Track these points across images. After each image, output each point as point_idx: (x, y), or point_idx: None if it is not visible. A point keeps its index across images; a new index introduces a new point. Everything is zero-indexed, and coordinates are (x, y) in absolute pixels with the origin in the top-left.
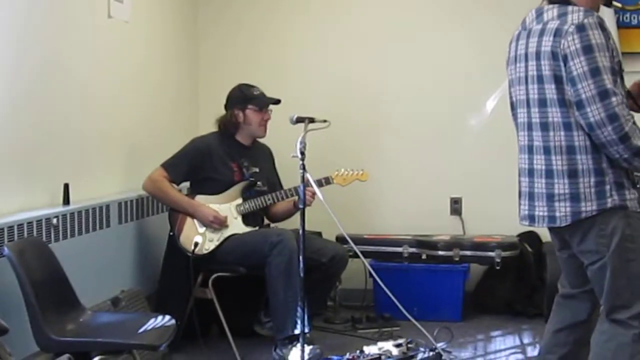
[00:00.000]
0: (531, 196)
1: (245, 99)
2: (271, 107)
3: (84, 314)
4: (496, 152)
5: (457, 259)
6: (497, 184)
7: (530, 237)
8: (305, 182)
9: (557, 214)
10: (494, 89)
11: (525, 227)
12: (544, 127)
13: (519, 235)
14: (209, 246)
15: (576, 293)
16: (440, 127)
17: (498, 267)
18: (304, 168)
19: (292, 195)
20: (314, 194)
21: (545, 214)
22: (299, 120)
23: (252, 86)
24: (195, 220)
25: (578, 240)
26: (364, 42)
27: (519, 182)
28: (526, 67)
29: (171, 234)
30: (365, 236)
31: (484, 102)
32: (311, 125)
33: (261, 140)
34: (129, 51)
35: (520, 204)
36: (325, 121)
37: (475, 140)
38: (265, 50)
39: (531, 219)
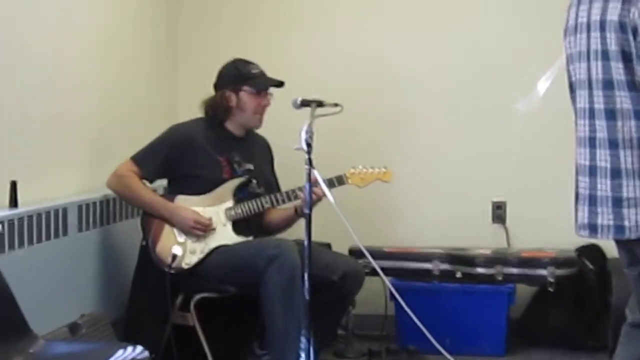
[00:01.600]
0: (592, 200)
1: (241, 78)
2: (272, 90)
3: (35, 343)
4: (549, 145)
5: (500, 278)
6: (550, 185)
7: (591, 252)
8: (312, 181)
9: (626, 223)
10: (547, 66)
11: (585, 239)
12: (610, 114)
13: (577, 250)
14: (191, 260)
15: None
16: (480, 115)
17: (551, 289)
18: (310, 163)
19: (295, 198)
20: (320, 196)
21: (611, 222)
22: (305, 103)
23: (250, 63)
24: (174, 227)
25: None
26: (384, 10)
27: (577, 181)
28: (588, 39)
29: (144, 243)
30: (386, 249)
31: (534, 83)
32: (319, 110)
33: (257, 131)
34: (91, 18)
35: (577, 210)
36: (336, 105)
37: (523, 130)
38: (262, 17)
39: (592, 228)
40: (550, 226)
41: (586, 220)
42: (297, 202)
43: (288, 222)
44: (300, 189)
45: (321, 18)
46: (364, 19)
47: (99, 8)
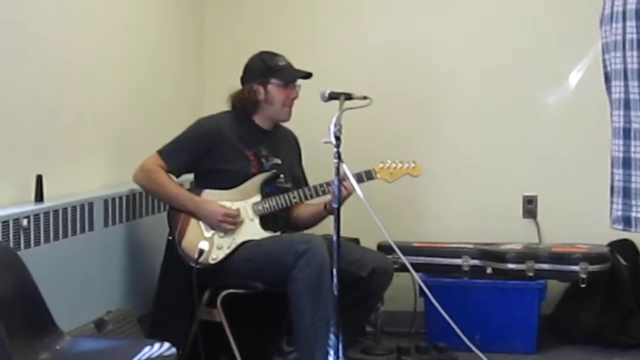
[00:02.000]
0: (627, 193)
1: (268, 70)
2: (299, 82)
3: (62, 339)
4: (581, 138)
5: (531, 274)
6: (583, 178)
7: (624, 247)
8: (341, 176)
9: None
10: (580, 57)
11: (618, 233)
12: None
13: (610, 245)
14: (218, 255)
15: None
16: (510, 107)
17: (583, 285)
18: (339, 157)
19: (324, 193)
20: (350, 191)
21: None
22: (333, 96)
23: (277, 55)
24: (201, 222)
25: None
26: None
27: (611, 174)
28: (624, 28)
29: (170, 238)
30: (415, 244)
31: (566, 74)
32: (348, 103)
33: (285, 124)
34: (118, 14)
35: (612, 202)
36: (365, 98)
37: (554, 123)
38: (287, 9)
39: (626, 221)
40: (582, 221)
41: (620, 213)
42: (327, 198)
43: (317, 218)
44: (329, 183)
45: (348, 9)
46: (391, 10)
47: (126, 4)
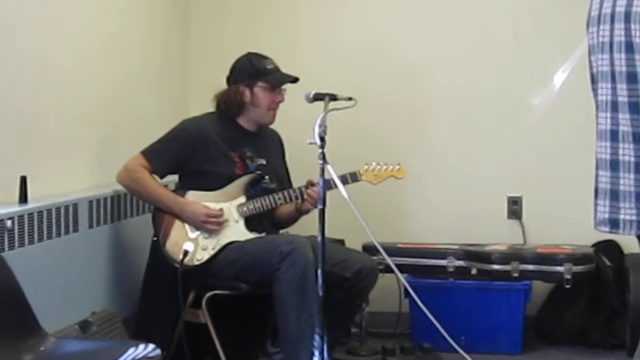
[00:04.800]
0: (614, 195)
1: (255, 73)
2: (285, 85)
3: (46, 341)
4: (566, 139)
5: (516, 274)
6: (568, 179)
7: (608, 248)
8: (325, 177)
9: None
10: (565, 57)
11: (603, 234)
12: (634, 108)
13: (594, 245)
14: (202, 256)
15: None
16: (495, 109)
17: (568, 286)
18: (324, 158)
19: (296, 198)
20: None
21: (634, 218)
22: (318, 97)
23: (265, 58)
24: (186, 223)
25: None
26: (397, 1)
27: (596, 176)
28: (612, 30)
29: (155, 239)
30: (400, 245)
31: (551, 75)
32: (333, 104)
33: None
34: (102, 14)
35: (597, 205)
36: (350, 99)
37: (539, 124)
38: (273, 10)
39: (613, 223)
40: (567, 222)
41: (607, 215)
42: (298, 201)
43: (292, 218)
44: (305, 187)
45: (334, 10)
46: (377, 12)
47: (110, 4)
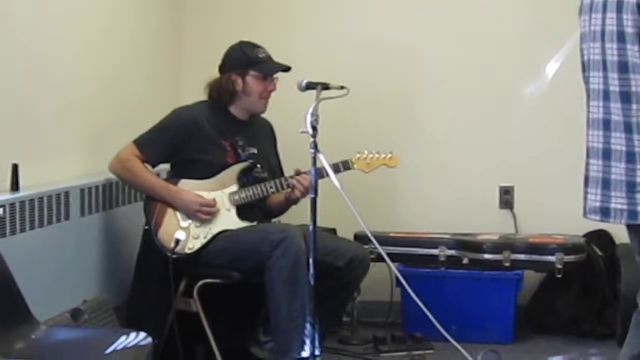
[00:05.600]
0: (606, 184)
1: (248, 62)
2: (277, 74)
3: (37, 329)
4: (557, 129)
5: (507, 264)
6: (559, 169)
7: (600, 238)
8: (317, 166)
9: (639, 207)
10: (557, 48)
11: (594, 224)
12: (625, 97)
13: (585, 235)
14: (194, 244)
15: None
16: (488, 98)
17: (559, 275)
18: (315, 147)
19: (287, 187)
20: (306, 186)
21: (625, 207)
22: (310, 86)
23: (258, 46)
24: (177, 212)
25: None
26: None
27: (587, 164)
28: (603, 19)
29: (146, 227)
30: (392, 234)
31: (543, 65)
32: (325, 93)
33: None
34: (93, 3)
35: (587, 193)
36: (342, 87)
37: (531, 114)
38: None
39: (604, 212)
40: (558, 211)
41: (598, 204)
42: (288, 190)
43: (282, 207)
44: (291, 176)
45: (326, 0)
46: (370, 2)
47: None
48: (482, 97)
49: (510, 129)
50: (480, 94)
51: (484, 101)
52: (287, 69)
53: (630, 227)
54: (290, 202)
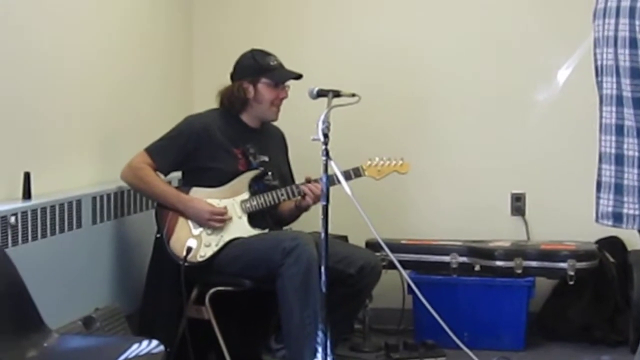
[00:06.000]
0: (618, 189)
1: (259, 69)
2: (289, 82)
3: (49, 337)
4: (569, 136)
5: (519, 271)
6: (571, 176)
7: (612, 245)
8: (329, 174)
9: None
10: (568, 54)
11: (606, 231)
12: (638, 103)
13: (598, 242)
14: (206, 252)
15: None
16: (499, 105)
17: (571, 282)
18: (327, 154)
19: (299, 194)
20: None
21: (637, 212)
22: (321, 93)
23: (269, 54)
24: (189, 220)
25: None
26: None
27: (600, 169)
28: (616, 25)
29: (158, 236)
30: (404, 242)
31: (555, 71)
32: (336, 101)
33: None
34: (105, 11)
35: (600, 198)
36: (354, 95)
37: (542, 120)
38: (276, 6)
39: (617, 217)
40: (570, 218)
41: (610, 209)
42: (297, 197)
43: (293, 215)
44: (302, 184)
45: (337, 6)
46: (380, 7)
47: (114, 3)
48: (493, 103)
49: (522, 135)
50: (491, 100)
51: (495, 108)
52: (298, 76)
53: None
54: (301, 209)
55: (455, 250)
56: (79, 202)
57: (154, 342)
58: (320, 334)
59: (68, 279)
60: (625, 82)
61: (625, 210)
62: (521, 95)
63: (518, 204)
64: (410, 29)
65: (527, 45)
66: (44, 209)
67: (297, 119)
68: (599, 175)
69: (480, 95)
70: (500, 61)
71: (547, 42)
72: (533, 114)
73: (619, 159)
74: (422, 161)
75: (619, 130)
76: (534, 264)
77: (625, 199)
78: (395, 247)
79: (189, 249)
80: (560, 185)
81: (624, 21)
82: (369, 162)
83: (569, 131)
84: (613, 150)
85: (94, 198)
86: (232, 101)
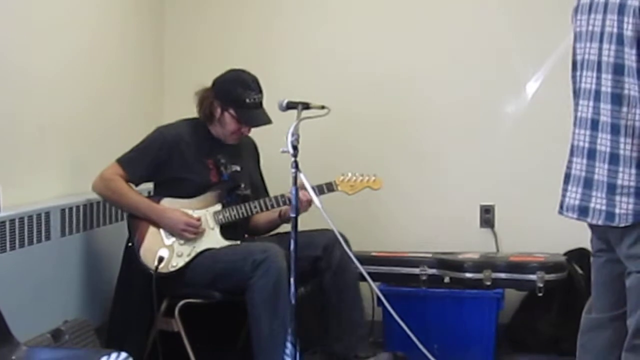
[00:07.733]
0: (588, 183)
1: (233, 100)
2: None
3: (18, 350)
4: (538, 148)
5: (488, 283)
6: (540, 188)
7: (580, 256)
8: (298, 186)
9: (617, 210)
10: (537, 67)
11: (574, 244)
12: (616, 99)
13: (566, 254)
14: (177, 262)
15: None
16: (468, 118)
17: (540, 294)
18: (296, 167)
19: (284, 204)
20: (310, 200)
21: (604, 208)
22: (290, 106)
23: (250, 88)
24: (162, 229)
25: (630, 243)
26: (372, 11)
27: (570, 162)
28: (603, 20)
29: (130, 245)
30: (374, 254)
31: (524, 84)
32: (306, 113)
33: None
34: (76, 22)
35: (567, 190)
36: (323, 107)
37: (511, 133)
38: (248, 17)
39: (582, 211)
40: (539, 230)
41: (577, 202)
42: (283, 207)
43: (273, 225)
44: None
45: (310, 17)
46: (352, 21)
47: (83, 11)
48: (462, 116)
49: (491, 148)
50: (460, 113)
51: (464, 120)
52: (267, 122)
53: (592, 227)
54: (284, 219)
55: (424, 262)
56: (47, 214)
57: (123, 355)
58: (289, 345)
59: (37, 291)
60: (607, 77)
61: (592, 205)
62: (490, 108)
63: (487, 216)
64: (381, 44)
65: (496, 58)
66: (12, 221)
67: (268, 130)
68: (569, 167)
69: (449, 109)
70: (470, 74)
71: (515, 55)
72: (502, 127)
73: (591, 154)
74: (391, 174)
75: (594, 125)
76: (503, 275)
77: (594, 193)
78: (365, 259)
79: (161, 259)
80: (529, 197)
81: (612, 17)
82: (342, 177)
83: (538, 144)
84: (586, 145)
85: (63, 210)
86: (201, 109)
